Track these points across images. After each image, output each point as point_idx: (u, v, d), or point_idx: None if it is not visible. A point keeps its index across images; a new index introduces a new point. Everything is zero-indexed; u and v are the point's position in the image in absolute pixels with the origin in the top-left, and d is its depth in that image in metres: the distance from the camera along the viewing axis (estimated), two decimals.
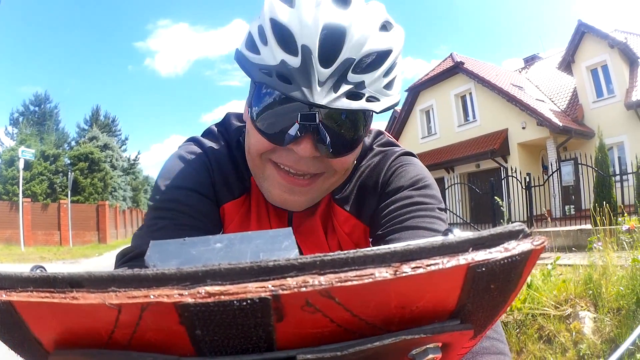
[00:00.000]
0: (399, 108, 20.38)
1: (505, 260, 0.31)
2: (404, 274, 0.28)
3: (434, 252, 0.30)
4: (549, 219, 9.82)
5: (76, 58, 63.29)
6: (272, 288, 0.27)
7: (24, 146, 25.18)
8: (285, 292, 0.27)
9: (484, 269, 0.30)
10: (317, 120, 0.80)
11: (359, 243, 1.04)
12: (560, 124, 16.77)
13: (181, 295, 0.27)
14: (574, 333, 3.52)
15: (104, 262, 14.87)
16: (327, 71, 0.77)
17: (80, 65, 63.58)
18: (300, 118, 0.80)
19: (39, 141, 30.79)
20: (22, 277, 0.29)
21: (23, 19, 56.70)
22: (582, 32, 18.11)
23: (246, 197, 1.02)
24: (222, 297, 0.27)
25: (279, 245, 0.35)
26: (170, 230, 0.88)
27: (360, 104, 0.79)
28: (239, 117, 1.10)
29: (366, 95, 0.80)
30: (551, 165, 14.85)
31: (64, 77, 61.63)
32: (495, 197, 7.22)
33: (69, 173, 26.18)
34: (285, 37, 0.78)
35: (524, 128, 17.89)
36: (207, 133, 1.09)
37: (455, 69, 20.33)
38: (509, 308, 3.84)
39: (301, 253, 0.34)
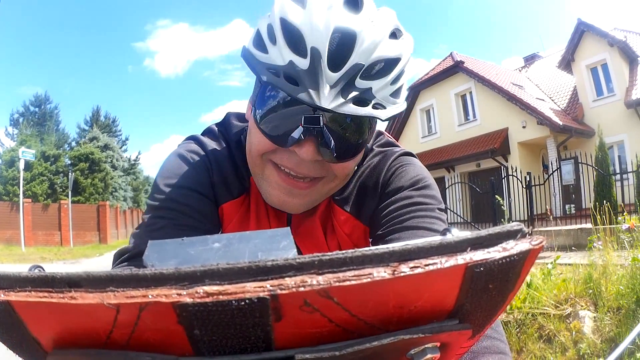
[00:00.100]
0: None
1: (504, 260, 0.31)
2: (402, 274, 0.28)
3: (432, 252, 0.30)
4: (550, 217, 9.81)
5: (76, 59, 63.43)
6: (271, 288, 0.27)
7: (24, 147, 25.16)
8: (283, 292, 0.27)
9: (482, 268, 0.30)
10: (321, 124, 0.79)
11: (359, 244, 1.04)
12: (561, 123, 16.76)
13: (179, 295, 0.26)
14: (574, 332, 3.52)
15: (104, 262, 14.89)
16: (336, 75, 0.76)
17: (80, 66, 63.74)
18: (304, 121, 0.79)
19: (39, 142, 30.75)
20: (21, 276, 0.29)
21: (23, 20, 56.73)
22: (581, 31, 18.10)
23: (245, 197, 1.02)
24: (221, 297, 0.27)
25: (277, 245, 0.35)
26: (169, 230, 0.88)
27: (367, 111, 0.79)
28: (240, 117, 1.10)
29: (373, 102, 0.80)
30: (551, 164, 14.88)
31: (64, 78, 61.74)
32: (497, 196, 7.22)
33: (70, 173, 26.18)
34: (294, 38, 0.78)
35: (524, 127, 17.88)
36: (207, 132, 1.09)
37: (456, 68, 20.32)
38: (508, 307, 3.85)
39: (300, 253, 0.34)
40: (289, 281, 0.27)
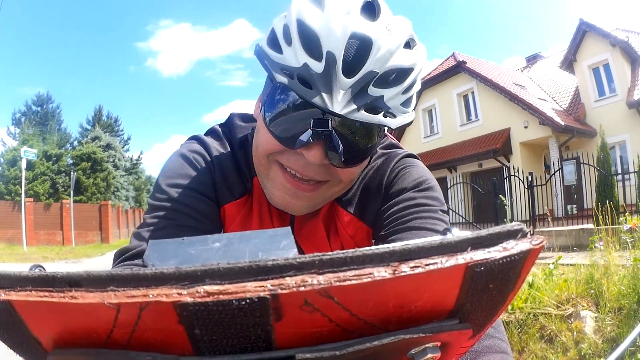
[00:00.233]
0: None
1: (504, 260, 0.31)
2: (402, 274, 0.28)
3: (433, 251, 0.30)
4: (549, 219, 9.79)
5: (78, 58, 63.57)
6: (271, 287, 0.27)
7: (26, 146, 25.16)
8: (284, 291, 0.27)
9: (482, 268, 0.30)
10: (330, 128, 0.79)
11: (362, 245, 1.03)
12: (563, 123, 16.73)
13: (180, 294, 0.26)
14: (575, 332, 3.51)
15: (106, 262, 14.89)
16: (349, 81, 0.76)
17: (82, 65, 63.85)
18: (313, 124, 0.79)
19: (41, 141, 30.80)
20: (21, 276, 0.29)
21: (25, 20, 56.81)
22: (583, 31, 18.07)
23: (248, 198, 1.02)
24: (221, 296, 0.27)
25: (278, 244, 0.35)
26: (170, 230, 0.88)
27: (378, 119, 0.79)
28: (243, 117, 1.10)
29: (384, 110, 0.80)
30: (553, 164, 14.85)
31: (66, 78, 61.87)
32: (500, 196, 7.21)
33: (72, 173, 26.17)
34: (311, 41, 0.77)
35: (526, 127, 17.85)
36: (211, 132, 1.09)
37: (458, 68, 20.29)
38: (510, 307, 3.85)
39: (302, 254, 0.34)
40: (290, 281, 0.27)
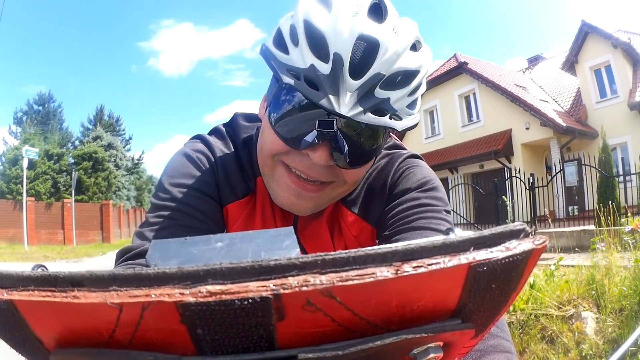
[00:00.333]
0: None
1: (507, 260, 0.31)
2: (405, 273, 0.28)
3: (435, 251, 0.30)
4: (549, 220, 9.78)
5: (80, 58, 63.57)
6: (273, 287, 0.27)
7: (27, 145, 25.16)
8: (286, 291, 0.27)
9: (485, 268, 0.30)
10: (335, 129, 0.79)
11: (366, 245, 1.03)
12: (564, 125, 16.71)
13: (182, 294, 0.26)
14: (576, 333, 3.51)
15: (107, 261, 14.90)
16: (356, 83, 0.76)
17: (84, 65, 63.85)
18: (318, 125, 0.78)
19: (42, 140, 30.85)
20: (24, 276, 0.29)
21: (27, 19, 56.90)
22: (585, 33, 18.05)
23: (251, 198, 1.02)
24: (224, 296, 0.26)
25: (280, 244, 0.35)
26: (172, 230, 0.87)
27: (384, 121, 0.79)
28: (247, 117, 1.10)
29: (390, 112, 0.79)
30: (555, 165, 14.83)
31: (68, 77, 61.88)
32: (503, 197, 7.21)
33: (73, 172, 26.18)
34: (317, 42, 0.77)
35: (527, 128, 17.83)
36: (214, 132, 1.08)
37: (459, 69, 20.27)
38: (511, 308, 3.84)
39: (305, 254, 0.34)
40: (292, 280, 0.27)
